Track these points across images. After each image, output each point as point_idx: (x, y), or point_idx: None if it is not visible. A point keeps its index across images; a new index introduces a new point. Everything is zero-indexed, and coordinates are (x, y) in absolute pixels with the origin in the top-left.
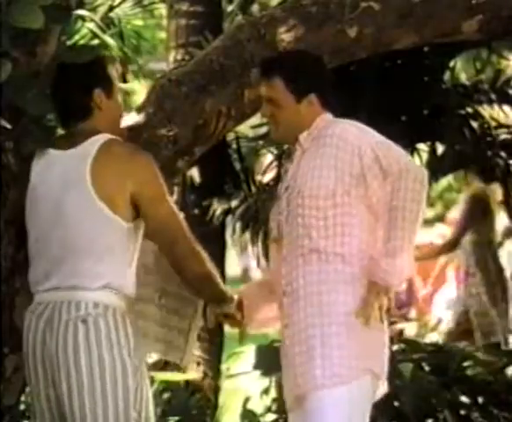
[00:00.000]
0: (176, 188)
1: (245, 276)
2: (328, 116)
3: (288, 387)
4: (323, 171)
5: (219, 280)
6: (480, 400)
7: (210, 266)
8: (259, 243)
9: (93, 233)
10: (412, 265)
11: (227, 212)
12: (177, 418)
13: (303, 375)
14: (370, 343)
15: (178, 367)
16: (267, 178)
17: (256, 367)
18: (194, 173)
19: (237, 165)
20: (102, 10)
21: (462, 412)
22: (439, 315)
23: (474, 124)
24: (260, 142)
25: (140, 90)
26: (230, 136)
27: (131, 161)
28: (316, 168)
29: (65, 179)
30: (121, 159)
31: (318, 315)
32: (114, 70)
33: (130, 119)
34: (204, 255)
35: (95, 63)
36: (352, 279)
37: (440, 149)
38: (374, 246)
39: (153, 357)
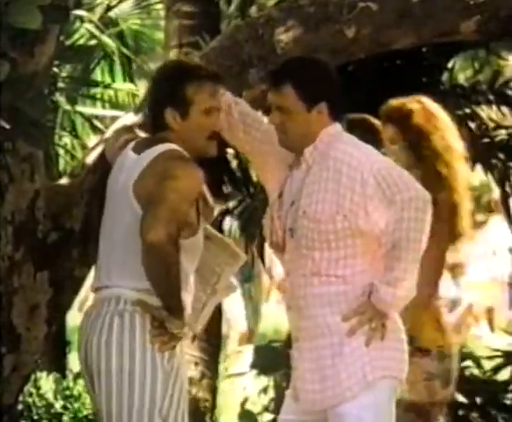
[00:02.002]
0: None
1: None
2: (333, 128)
3: (304, 400)
4: (327, 196)
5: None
6: (478, 400)
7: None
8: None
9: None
10: (412, 292)
11: (225, 212)
12: None
13: (318, 395)
14: (378, 349)
15: None
16: None
17: (253, 366)
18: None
19: (235, 165)
20: (100, 10)
21: (460, 412)
22: None
23: (472, 125)
24: None
25: (138, 90)
26: None
27: (165, 162)
28: (320, 191)
29: (124, 185)
30: (162, 165)
31: (327, 335)
32: (200, 91)
33: (128, 119)
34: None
35: (172, 81)
36: (354, 298)
37: None
38: (377, 266)
39: None
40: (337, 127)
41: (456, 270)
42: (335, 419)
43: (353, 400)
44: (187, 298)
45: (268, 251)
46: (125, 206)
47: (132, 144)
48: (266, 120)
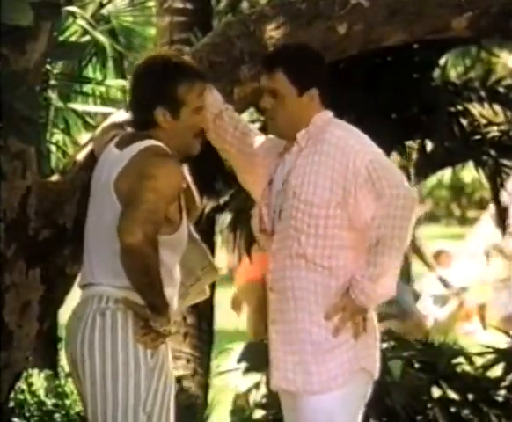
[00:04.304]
0: None
1: (233, 274)
2: (326, 114)
3: (277, 378)
4: (319, 179)
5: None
6: (470, 397)
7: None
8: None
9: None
10: (393, 288)
11: (216, 209)
12: None
13: (297, 377)
14: (362, 342)
15: None
16: None
17: (240, 360)
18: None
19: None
20: (93, 7)
21: (452, 409)
22: (425, 310)
23: (464, 121)
24: None
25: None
26: None
27: (145, 159)
28: (312, 174)
29: (106, 182)
30: (141, 162)
31: (308, 321)
32: (191, 91)
33: (119, 115)
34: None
35: (165, 80)
36: (337, 292)
37: (429, 146)
38: (359, 262)
39: None
40: (329, 114)
41: (440, 257)
42: (302, 415)
43: (325, 397)
44: (172, 293)
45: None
46: (107, 203)
47: (116, 140)
48: (251, 125)
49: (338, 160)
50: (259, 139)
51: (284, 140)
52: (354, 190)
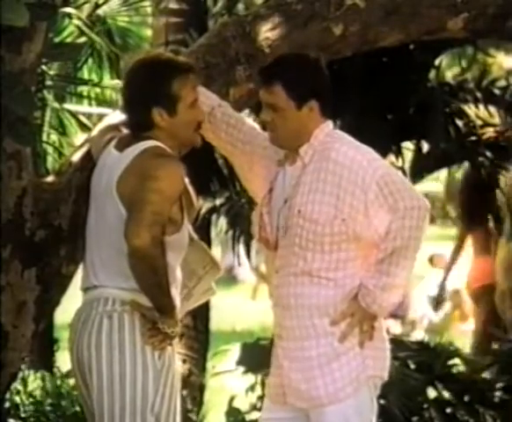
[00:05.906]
0: None
1: (228, 275)
2: (327, 126)
3: (287, 394)
4: (324, 198)
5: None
6: (466, 398)
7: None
8: (242, 242)
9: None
10: (400, 298)
11: (212, 210)
12: None
13: (305, 394)
14: (370, 348)
15: None
16: None
17: (239, 363)
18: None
19: (222, 163)
20: (88, 7)
21: (447, 410)
22: (421, 311)
23: (459, 122)
24: None
25: None
26: None
27: (146, 160)
28: (317, 192)
29: (107, 184)
30: (144, 164)
31: (314, 337)
32: (185, 85)
33: (115, 116)
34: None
35: (158, 79)
36: (342, 300)
37: (425, 147)
38: (366, 269)
39: None
40: (330, 125)
41: (435, 260)
42: (319, 418)
43: (335, 407)
44: (176, 293)
45: (256, 250)
46: (109, 204)
47: (114, 142)
48: (248, 120)
49: (345, 178)
50: (256, 135)
51: (286, 150)
52: (365, 207)
